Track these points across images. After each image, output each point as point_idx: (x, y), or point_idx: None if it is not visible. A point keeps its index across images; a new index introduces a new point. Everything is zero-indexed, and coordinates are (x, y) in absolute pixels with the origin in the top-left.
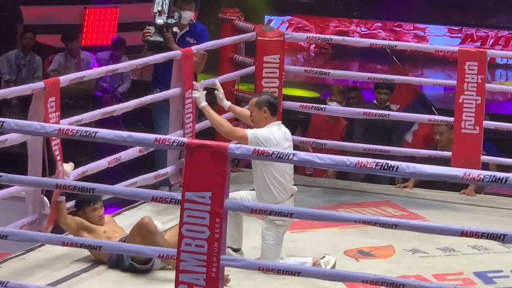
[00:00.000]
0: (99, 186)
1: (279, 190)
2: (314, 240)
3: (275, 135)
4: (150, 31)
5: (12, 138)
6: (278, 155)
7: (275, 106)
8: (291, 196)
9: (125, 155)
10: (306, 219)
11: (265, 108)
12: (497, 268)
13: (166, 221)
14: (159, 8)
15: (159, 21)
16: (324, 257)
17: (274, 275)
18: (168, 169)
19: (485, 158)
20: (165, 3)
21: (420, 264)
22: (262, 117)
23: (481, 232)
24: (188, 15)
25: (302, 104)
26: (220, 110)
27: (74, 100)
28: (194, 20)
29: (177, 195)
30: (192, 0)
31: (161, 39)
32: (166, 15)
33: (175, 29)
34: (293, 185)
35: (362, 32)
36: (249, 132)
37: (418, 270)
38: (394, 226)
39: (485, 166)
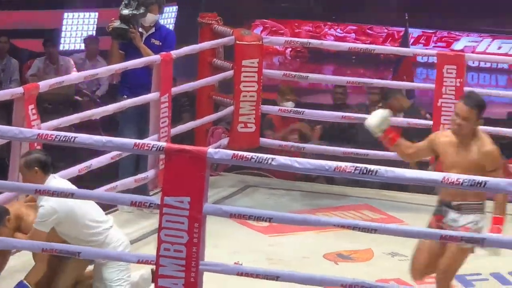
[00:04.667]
0: (78, 191)
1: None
2: (294, 244)
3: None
4: (114, 22)
5: None
6: (257, 160)
7: (47, 162)
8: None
9: (97, 162)
10: (285, 224)
11: (36, 168)
12: (476, 271)
13: (144, 226)
14: (126, 2)
15: (125, 11)
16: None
17: (251, 280)
18: (148, 174)
19: None
20: None
21: (399, 268)
22: (34, 177)
23: (460, 236)
24: (151, 17)
25: (281, 108)
26: None
27: (53, 105)
28: (159, 23)
29: (156, 200)
30: (154, 2)
31: (125, 27)
32: (132, 8)
33: (140, 29)
34: (272, 188)
35: (337, 35)
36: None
37: (397, 274)
38: (374, 230)
39: None
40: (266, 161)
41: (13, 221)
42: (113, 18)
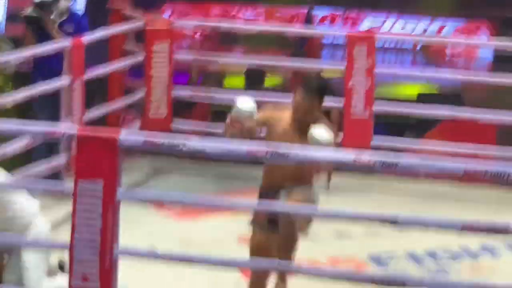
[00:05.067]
0: None
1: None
2: (208, 228)
3: None
4: (27, 9)
5: None
6: (169, 145)
7: None
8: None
9: (11, 149)
10: (198, 207)
11: None
12: (390, 250)
13: (59, 216)
14: None
15: None
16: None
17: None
18: (61, 159)
19: (376, 142)
20: None
21: (314, 248)
22: None
23: (372, 216)
24: (64, 4)
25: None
26: None
27: None
28: (73, 8)
29: (69, 186)
30: None
31: (36, 14)
32: None
33: (53, 16)
34: (186, 171)
35: (248, 17)
36: None
37: (312, 254)
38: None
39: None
40: (178, 147)
41: None
42: (25, 6)
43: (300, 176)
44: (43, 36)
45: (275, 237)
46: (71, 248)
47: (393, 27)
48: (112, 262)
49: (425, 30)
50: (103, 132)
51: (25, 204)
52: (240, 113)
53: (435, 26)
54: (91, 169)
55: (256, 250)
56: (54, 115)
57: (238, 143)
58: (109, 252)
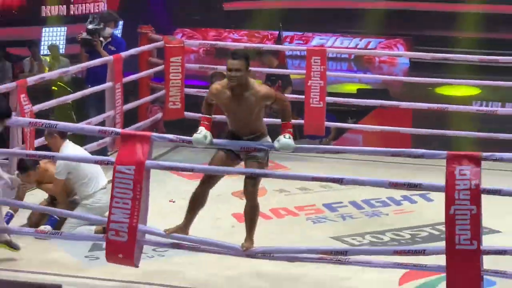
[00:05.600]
0: (69, 155)
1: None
2: None
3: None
4: (82, 33)
5: None
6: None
7: (64, 132)
8: (100, 188)
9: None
10: (202, 172)
11: (55, 135)
12: (339, 201)
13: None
14: (90, 19)
15: (90, 26)
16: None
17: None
18: (107, 140)
19: (327, 124)
20: (95, 17)
21: (285, 200)
22: (55, 141)
23: (326, 177)
24: (108, 30)
25: (199, 90)
26: None
27: (38, 93)
28: (114, 33)
29: (112, 159)
30: (111, 20)
31: (89, 37)
32: (95, 24)
33: (101, 39)
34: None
35: (234, 38)
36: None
37: (284, 204)
38: (265, 174)
39: (328, 129)
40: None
41: (42, 171)
42: (81, 32)
43: (250, 126)
44: (93, 53)
45: (230, 159)
46: (110, 212)
47: (334, 43)
48: (137, 222)
49: (356, 46)
50: (139, 132)
51: (93, 177)
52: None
53: (363, 43)
54: (128, 156)
55: (215, 161)
56: (101, 109)
57: None
58: (136, 215)
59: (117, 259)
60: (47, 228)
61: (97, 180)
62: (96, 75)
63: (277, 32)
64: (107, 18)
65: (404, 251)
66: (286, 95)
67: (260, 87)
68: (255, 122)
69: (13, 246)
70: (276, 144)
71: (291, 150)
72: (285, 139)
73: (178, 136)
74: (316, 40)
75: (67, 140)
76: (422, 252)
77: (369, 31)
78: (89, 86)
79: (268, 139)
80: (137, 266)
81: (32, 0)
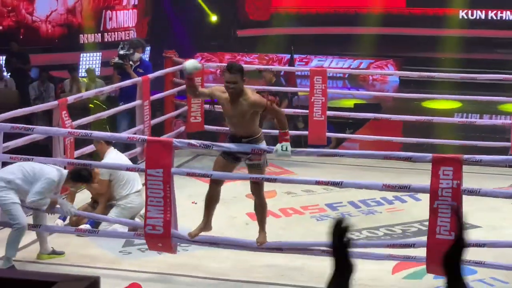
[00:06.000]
0: (94, 162)
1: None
2: (228, 189)
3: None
4: (114, 58)
5: (37, 135)
6: (202, 146)
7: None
8: (135, 191)
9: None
10: (220, 178)
11: (101, 141)
12: (339, 201)
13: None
14: (121, 46)
15: (121, 52)
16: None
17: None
18: (137, 150)
19: (328, 134)
20: (125, 43)
21: (292, 201)
22: (102, 146)
23: (327, 181)
24: (137, 55)
25: (217, 106)
26: None
27: (77, 110)
28: (142, 57)
29: (142, 166)
30: (139, 46)
31: (121, 62)
32: (125, 50)
33: (131, 63)
34: (214, 155)
35: (247, 60)
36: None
37: (291, 204)
38: (274, 180)
39: (329, 139)
40: (208, 147)
41: (94, 174)
42: (114, 56)
43: (245, 129)
44: (124, 75)
45: (229, 162)
46: (146, 209)
47: (331, 64)
48: (171, 217)
49: (349, 66)
50: (163, 138)
51: (129, 181)
52: (186, 69)
53: (356, 63)
54: (155, 161)
55: (217, 165)
56: (132, 123)
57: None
58: (169, 211)
59: (157, 248)
60: (87, 227)
61: (133, 184)
62: (127, 94)
63: (288, 55)
64: (136, 44)
65: (396, 244)
66: (285, 102)
67: (253, 95)
68: (248, 126)
69: (58, 253)
70: (274, 152)
71: (289, 157)
72: (282, 150)
73: (196, 141)
74: (315, 62)
75: (112, 147)
76: (412, 246)
77: (364, 53)
78: (122, 103)
79: (264, 143)
80: (175, 253)
81: (71, 29)
